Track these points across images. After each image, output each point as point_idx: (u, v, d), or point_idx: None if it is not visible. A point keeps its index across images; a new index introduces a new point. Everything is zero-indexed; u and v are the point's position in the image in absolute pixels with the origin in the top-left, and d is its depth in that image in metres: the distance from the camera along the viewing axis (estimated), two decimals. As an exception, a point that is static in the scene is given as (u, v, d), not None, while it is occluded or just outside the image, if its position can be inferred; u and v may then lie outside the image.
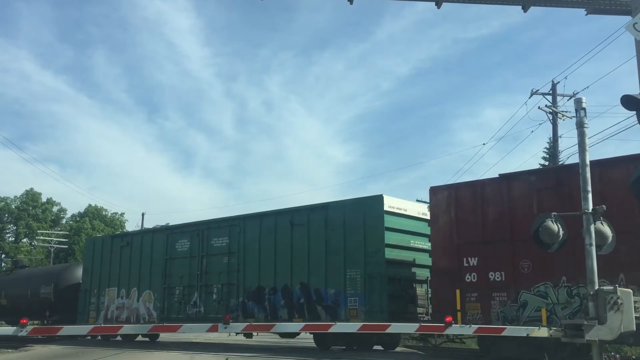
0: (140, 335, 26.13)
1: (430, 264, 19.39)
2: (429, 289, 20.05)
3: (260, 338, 26.12)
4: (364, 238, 19.67)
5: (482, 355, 17.57)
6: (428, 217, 19.75)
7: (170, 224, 28.52)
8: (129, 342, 25.40)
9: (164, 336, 27.44)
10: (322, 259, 20.56)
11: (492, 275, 17.11)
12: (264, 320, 21.61)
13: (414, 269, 20.22)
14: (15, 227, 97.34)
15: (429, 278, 19.89)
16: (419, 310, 19.81)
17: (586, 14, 15.88)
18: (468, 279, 17.52)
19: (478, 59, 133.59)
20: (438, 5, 16.41)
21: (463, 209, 17.88)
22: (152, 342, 25.62)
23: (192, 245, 25.08)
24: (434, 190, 18.87)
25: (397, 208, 19.88)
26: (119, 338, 26.47)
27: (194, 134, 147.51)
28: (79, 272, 30.58)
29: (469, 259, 17.35)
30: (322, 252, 20.63)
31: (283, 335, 22.79)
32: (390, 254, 19.35)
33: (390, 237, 19.50)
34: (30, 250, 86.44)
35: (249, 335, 23.34)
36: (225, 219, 24.20)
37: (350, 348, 19.91)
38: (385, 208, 19.59)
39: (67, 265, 31.65)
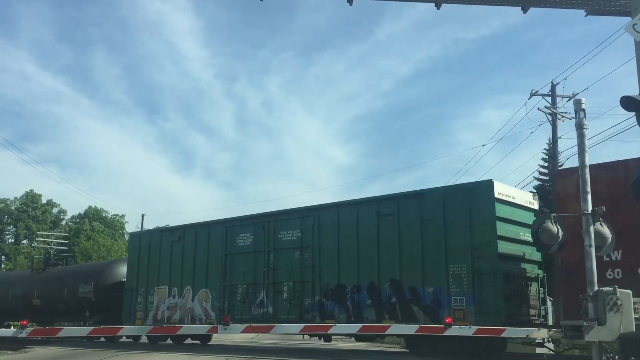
0: (189, 338, 24.46)
1: (539, 259, 17.77)
2: (540, 288, 17.44)
3: (260, 339, 25.91)
4: (471, 229, 17.21)
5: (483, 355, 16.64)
6: (535, 206, 17.96)
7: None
8: (178, 344, 23.82)
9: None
10: (418, 252, 18.13)
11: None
12: (346, 321, 19.23)
13: (523, 265, 17.60)
14: (15, 229, 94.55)
15: (540, 275, 17.85)
16: (531, 312, 17.29)
17: (586, 15, 15.70)
18: (610, 275, 14.88)
19: (478, 60, 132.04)
20: (437, 6, 16.20)
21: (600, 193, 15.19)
22: (176, 345, 24.20)
23: (257, 239, 22.61)
24: (560, 174, 16.40)
25: (506, 195, 17.50)
26: (169, 341, 24.52)
27: (194, 134, 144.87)
28: (120, 269, 28.05)
29: (611, 252, 14.60)
30: (417, 245, 18.18)
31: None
32: (501, 247, 16.92)
33: (501, 229, 17.11)
34: (30, 251, 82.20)
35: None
36: (296, 210, 21.73)
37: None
38: (495, 195, 17.14)
39: (108, 262, 28.91)
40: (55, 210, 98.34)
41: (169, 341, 24.53)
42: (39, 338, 22.58)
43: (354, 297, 19.43)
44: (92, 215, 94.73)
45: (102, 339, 25.50)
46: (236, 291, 22.67)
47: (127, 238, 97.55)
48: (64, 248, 76.23)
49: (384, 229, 18.88)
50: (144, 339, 25.75)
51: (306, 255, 20.81)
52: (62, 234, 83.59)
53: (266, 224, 22.27)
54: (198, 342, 24.71)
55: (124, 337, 25.54)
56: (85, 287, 27.69)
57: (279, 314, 21.09)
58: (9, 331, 10.90)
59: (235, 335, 22.59)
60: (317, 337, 22.52)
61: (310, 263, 20.64)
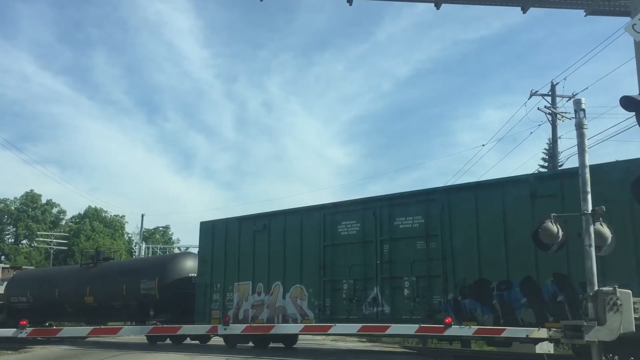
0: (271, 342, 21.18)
1: None
2: None
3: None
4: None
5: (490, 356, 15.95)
6: None
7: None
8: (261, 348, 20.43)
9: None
10: (592, 241, 14.08)
11: None
12: (492, 324, 15.67)
13: None
14: (14, 229, 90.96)
15: None
16: None
17: (585, 15, 15.27)
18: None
19: (478, 60, 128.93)
20: (437, 6, 15.74)
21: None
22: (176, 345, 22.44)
23: (365, 227, 18.92)
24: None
25: None
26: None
27: (194, 135, 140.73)
28: (186, 263, 24.51)
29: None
30: (590, 232, 14.13)
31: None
32: None
33: None
34: (29, 251, 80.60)
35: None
36: (417, 192, 18.21)
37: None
38: None
39: (173, 256, 25.04)
40: (55, 210, 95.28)
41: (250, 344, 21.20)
42: (39, 338, 21.02)
43: (502, 295, 15.77)
44: (92, 215, 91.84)
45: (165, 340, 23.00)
46: (340, 287, 19.03)
47: (126, 238, 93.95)
48: (63, 248, 76.92)
49: (541, 212, 15.09)
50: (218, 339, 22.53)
51: (433, 245, 17.24)
52: (62, 234, 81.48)
53: (377, 210, 18.67)
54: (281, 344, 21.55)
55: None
56: (148, 284, 23.91)
57: (398, 314, 17.52)
58: (9, 331, 10.52)
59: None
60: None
61: (439, 254, 17.06)
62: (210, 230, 23.22)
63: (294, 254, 20.36)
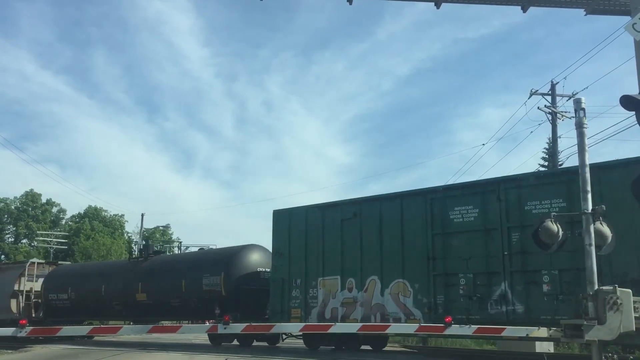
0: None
1: None
2: None
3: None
4: None
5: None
6: None
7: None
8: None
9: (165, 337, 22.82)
10: None
11: None
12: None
13: None
14: (14, 228, 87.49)
15: None
16: None
17: (585, 14, 14.96)
18: None
19: (478, 59, 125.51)
20: (437, 5, 15.37)
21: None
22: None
23: (486, 212, 15.73)
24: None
25: None
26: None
27: (194, 134, 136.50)
28: (253, 256, 21.48)
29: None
30: None
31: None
32: None
33: None
34: (29, 251, 76.46)
35: None
36: (555, 172, 14.97)
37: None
38: None
39: (239, 248, 21.69)
40: (55, 209, 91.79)
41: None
42: (40, 337, 19.68)
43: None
44: (92, 214, 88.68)
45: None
46: (455, 282, 15.90)
47: (126, 237, 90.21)
48: (63, 247, 74.51)
49: None
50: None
51: (580, 232, 13.87)
52: (62, 233, 79.52)
53: (502, 193, 15.50)
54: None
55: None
56: (212, 279, 20.68)
57: (535, 314, 14.37)
58: (9, 330, 9.20)
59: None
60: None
61: (588, 244, 13.65)
62: (286, 219, 19.94)
63: (393, 245, 17.22)
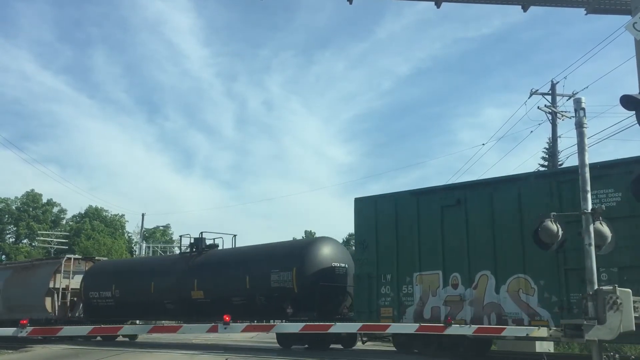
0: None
1: None
2: None
3: (260, 338, 22.43)
4: None
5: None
6: None
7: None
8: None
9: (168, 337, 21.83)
10: None
11: None
12: None
13: None
14: (15, 228, 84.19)
15: None
16: None
17: (586, 14, 14.56)
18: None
19: (478, 59, 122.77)
20: (437, 4, 14.99)
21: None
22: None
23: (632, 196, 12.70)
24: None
25: None
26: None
27: (194, 134, 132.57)
28: (325, 249, 18.55)
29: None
30: None
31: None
32: None
33: None
34: (30, 251, 73.41)
35: None
36: None
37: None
38: None
39: (311, 241, 19.08)
40: (55, 209, 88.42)
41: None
42: (39, 337, 18.52)
43: None
44: (93, 214, 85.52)
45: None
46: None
47: (126, 237, 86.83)
48: (64, 247, 70.02)
49: None
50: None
51: None
52: (63, 233, 76.61)
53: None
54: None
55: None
56: (282, 275, 17.96)
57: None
58: (9, 330, 8.56)
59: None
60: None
61: None
62: (371, 208, 17.20)
63: (509, 236, 14.54)
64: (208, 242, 21.38)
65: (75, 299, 23.66)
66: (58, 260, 23.98)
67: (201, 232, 21.06)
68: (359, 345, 19.20)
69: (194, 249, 21.09)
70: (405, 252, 16.19)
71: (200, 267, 20.15)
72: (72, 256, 24.23)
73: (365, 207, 17.36)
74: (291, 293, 17.86)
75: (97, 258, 24.13)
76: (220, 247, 21.29)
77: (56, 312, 22.95)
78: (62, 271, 23.33)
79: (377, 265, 16.64)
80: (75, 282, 23.66)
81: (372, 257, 16.77)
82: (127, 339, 22.34)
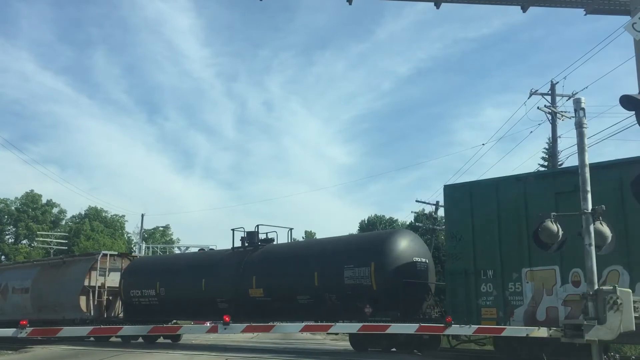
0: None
1: None
2: None
3: (259, 338, 22.11)
4: None
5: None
6: None
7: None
8: None
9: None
10: None
11: None
12: None
13: None
14: (15, 229, 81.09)
15: None
16: None
17: (585, 14, 14.19)
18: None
19: (478, 59, 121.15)
20: (437, 5, 14.67)
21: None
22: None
23: None
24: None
25: None
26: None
27: (194, 134, 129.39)
28: (402, 243, 15.86)
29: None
30: None
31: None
32: None
33: None
34: (29, 251, 70.97)
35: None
36: None
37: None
38: None
39: (388, 233, 16.71)
40: (55, 210, 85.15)
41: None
42: (39, 338, 17.66)
43: None
44: (93, 215, 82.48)
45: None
46: None
47: (126, 237, 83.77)
48: (63, 248, 66.98)
49: None
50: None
51: None
52: (62, 233, 73.73)
53: None
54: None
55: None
56: (357, 271, 15.51)
57: None
58: (9, 331, 8.49)
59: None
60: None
61: None
62: (465, 196, 14.73)
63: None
64: (260, 236, 18.78)
65: (110, 298, 20.98)
66: (93, 256, 21.25)
67: (257, 225, 18.48)
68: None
69: (247, 244, 18.52)
70: (511, 245, 13.75)
71: (258, 262, 17.56)
72: (108, 252, 21.50)
73: (458, 195, 14.90)
74: (369, 291, 15.37)
75: (133, 254, 21.44)
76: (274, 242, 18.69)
77: (91, 311, 20.27)
78: (98, 268, 20.62)
79: (475, 260, 14.19)
80: (111, 280, 20.97)
81: (468, 250, 14.32)
82: (168, 341, 19.89)
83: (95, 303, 20.29)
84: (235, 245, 18.67)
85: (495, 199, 14.25)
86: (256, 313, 17.26)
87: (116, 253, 22.19)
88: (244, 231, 18.75)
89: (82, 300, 20.26)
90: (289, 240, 19.13)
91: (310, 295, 16.42)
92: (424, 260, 15.94)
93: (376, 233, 16.33)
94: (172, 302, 18.94)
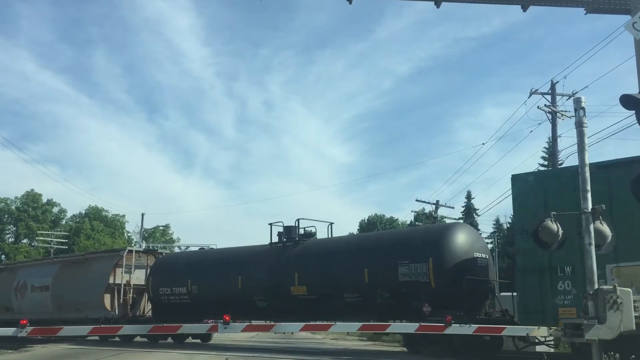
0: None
1: None
2: None
3: (259, 338, 21.23)
4: None
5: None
6: None
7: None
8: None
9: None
10: None
11: None
12: None
13: None
14: (15, 228, 78.60)
15: None
16: None
17: (585, 13, 13.68)
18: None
19: (478, 58, 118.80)
20: (437, 4, 13.84)
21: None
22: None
23: None
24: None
25: None
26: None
27: (194, 133, 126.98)
28: (460, 237, 14.34)
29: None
30: None
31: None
32: None
33: None
34: (29, 250, 69.35)
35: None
36: None
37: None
38: None
39: (447, 227, 15.20)
40: (55, 209, 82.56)
41: None
42: (39, 337, 16.71)
43: None
44: (93, 214, 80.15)
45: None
46: None
47: (126, 237, 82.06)
48: (64, 247, 65.14)
49: None
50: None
51: None
52: (62, 233, 71.39)
53: None
54: None
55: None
56: (414, 267, 14.05)
57: None
58: (9, 330, 8.80)
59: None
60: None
61: None
62: (537, 187, 13.26)
63: None
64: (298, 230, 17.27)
65: (135, 296, 19.36)
66: (118, 253, 19.64)
67: (297, 219, 16.92)
68: (354, 344, 19.17)
69: (284, 238, 16.98)
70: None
71: (301, 258, 16.01)
72: (133, 248, 19.86)
73: (530, 186, 13.43)
74: (427, 288, 13.87)
75: (159, 251, 19.84)
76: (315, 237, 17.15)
77: (116, 310, 18.65)
78: (124, 265, 19.00)
79: (550, 255, 12.72)
80: (136, 277, 19.36)
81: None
82: (198, 340, 18.38)
83: (121, 302, 18.68)
84: (274, 241, 17.12)
85: (572, 190, 12.75)
86: (298, 311, 15.72)
87: (142, 249, 20.58)
88: (283, 225, 17.21)
89: (107, 298, 18.66)
90: (329, 236, 17.59)
91: (359, 293, 14.91)
92: (483, 255, 14.49)
93: (432, 226, 14.92)
94: (205, 301, 17.34)
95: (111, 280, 18.79)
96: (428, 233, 15.18)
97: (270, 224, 17.10)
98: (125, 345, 16.68)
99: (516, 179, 13.79)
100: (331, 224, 17.36)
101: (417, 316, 13.85)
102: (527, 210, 13.41)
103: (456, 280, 13.67)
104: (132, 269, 19.23)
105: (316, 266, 15.73)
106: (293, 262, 16.06)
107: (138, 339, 17.65)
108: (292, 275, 15.82)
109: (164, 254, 19.87)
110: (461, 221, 13.45)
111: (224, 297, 16.96)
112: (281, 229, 17.25)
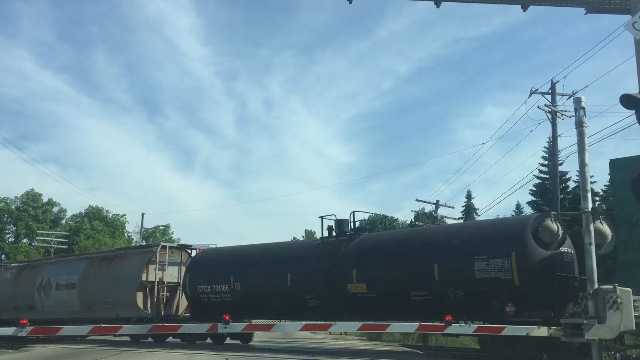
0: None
1: None
2: None
3: (259, 338, 19.65)
4: None
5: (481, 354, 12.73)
6: None
7: None
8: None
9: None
10: None
11: None
12: None
13: None
14: (15, 228, 76.49)
15: None
16: None
17: (585, 13, 13.78)
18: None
19: (479, 58, 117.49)
20: (437, 4, 14.09)
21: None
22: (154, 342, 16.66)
23: None
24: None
25: None
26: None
27: (194, 133, 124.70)
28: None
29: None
30: None
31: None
32: None
33: None
34: (29, 250, 67.54)
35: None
36: None
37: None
38: None
39: (529, 218, 13.27)
40: (55, 209, 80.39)
41: None
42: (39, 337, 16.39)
43: None
44: (93, 214, 78.05)
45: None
46: None
47: (126, 237, 79.97)
48: (63, 247, 63.26)
49: None
50: None
51: None
52: (62, 232, 69.60)
53: None
54: None
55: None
56: (493, 263, 12.39)
57: None
58: (9, 330, 8.53)
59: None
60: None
61: None
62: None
63: None
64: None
65: (168, 294, 17.49)
66: (150, 249, 17.84)
67: (352, 212, 15.12)
68: (354, 343, 18.42)
69: (334, 232, 15.19)
70: None
71: (358, 253, 14.22)
72: (167, 244, 18.00)
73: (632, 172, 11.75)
74: (509, 286, 12.13)
75: (193, 247, 18.04)
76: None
77: (149, 309, 16.80)
78: (157, 262, 17.13)
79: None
80: (169, 274, 17.52)
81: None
82: (238, 342, 16.60)
83: (154, 300, 16.80)
84: (325, 235, 15.31)
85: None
86: (357, 311, 13.93)
87: (175, 245, 18.74)
88: (335, 219, 15.41)
89: (139, 296, 16.86)
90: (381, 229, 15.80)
91: (427, 292, 13.14)
92: (569, 250, 12.76)
93: (511, 219, 13.31)
94: (249, 299, 15.49)
95: (144, 278, 16.99)
96: (508, 226, 13.33)
97: (322, 217, 15.30)
98: (125, 345, 15.70)
99: (613, 164, 12.16)
100: (385, 217, 15.57)
101: (498, 317, 12.15)
102: (628, 198, 11.74)
103: (545, 277, 11.93)
104: (165, 266, 17.39)
105: (376, 262, 13.96)
106: (350, 257, 14.27)
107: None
108: (350, 271, 14.03)
109: (198, 250, 17.97)
110: (537, 213, 12.15)
111: (271, 295, 15.15)
112: (332, 223, 15.48)
